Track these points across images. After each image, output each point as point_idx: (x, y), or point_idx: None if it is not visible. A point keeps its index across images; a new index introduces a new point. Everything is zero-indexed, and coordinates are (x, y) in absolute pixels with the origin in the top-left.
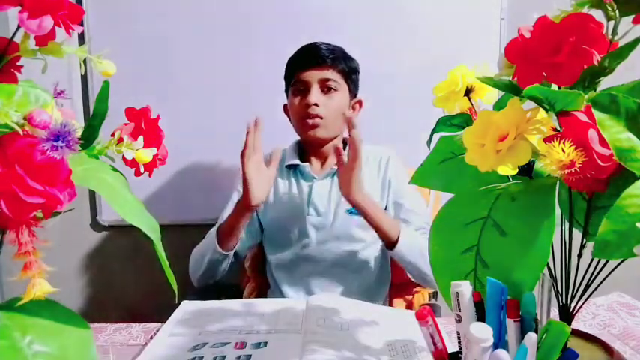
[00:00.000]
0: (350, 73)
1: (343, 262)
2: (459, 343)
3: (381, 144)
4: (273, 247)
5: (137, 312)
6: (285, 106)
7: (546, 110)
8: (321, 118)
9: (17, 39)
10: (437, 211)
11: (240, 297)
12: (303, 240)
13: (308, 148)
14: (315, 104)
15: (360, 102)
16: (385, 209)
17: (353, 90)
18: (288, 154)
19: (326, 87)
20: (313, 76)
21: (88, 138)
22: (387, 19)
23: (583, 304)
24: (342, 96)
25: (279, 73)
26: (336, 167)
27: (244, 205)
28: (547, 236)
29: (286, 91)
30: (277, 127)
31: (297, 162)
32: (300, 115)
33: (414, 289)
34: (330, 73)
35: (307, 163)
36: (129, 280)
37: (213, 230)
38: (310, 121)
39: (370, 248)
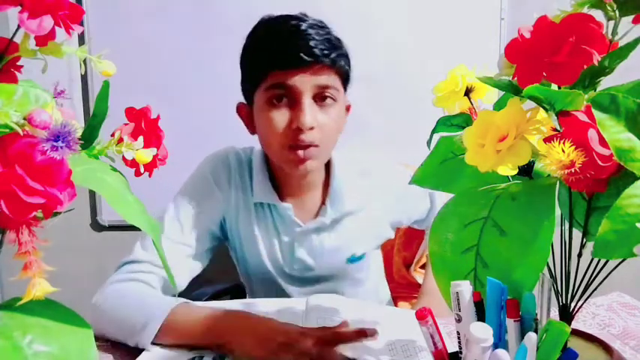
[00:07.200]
0: (349, 71)
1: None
2: (459, 343)
3: (377, 147)
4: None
5: None
6: (240, 106)
7: (546, 110)
8: (317, 147)
9: (17, 39)
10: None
11: (241, 297)
12: (285, 295)
13: (282, 178)
14: (311, 128)
15: (348, 107)
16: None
17: (345, 93)
18: (257, 181)
19: (321, 98)
20: (305, 82)
21: (88, 138)
22: (386, 18)
23: (583, 304)
24: (340, 108)
25: None
26: (325, 217)
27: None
28: (547, 236)
29: (245, 89)
30: None
31: (276, 202)
32: (285, 142)
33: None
34: (327, 78)
35: (289, 204)
36: None
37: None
38: (302, 153)
39: (370, 284)
